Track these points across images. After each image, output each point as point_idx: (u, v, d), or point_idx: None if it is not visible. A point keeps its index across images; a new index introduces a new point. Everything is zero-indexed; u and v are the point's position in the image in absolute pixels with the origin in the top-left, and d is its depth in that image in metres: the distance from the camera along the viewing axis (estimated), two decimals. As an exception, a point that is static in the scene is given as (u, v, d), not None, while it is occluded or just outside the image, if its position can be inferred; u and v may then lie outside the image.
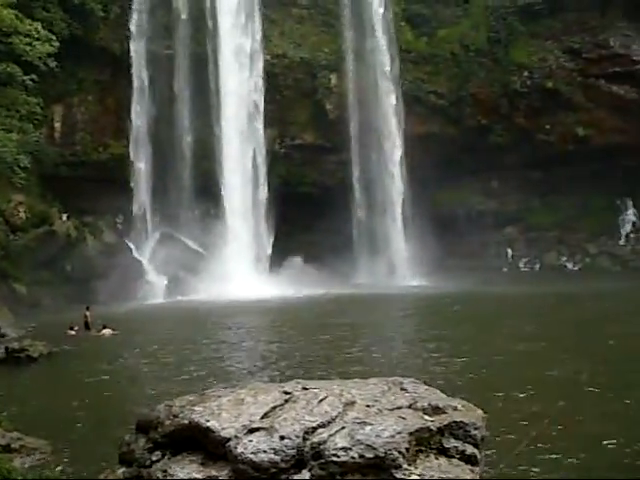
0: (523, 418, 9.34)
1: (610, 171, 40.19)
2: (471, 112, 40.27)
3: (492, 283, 32.08)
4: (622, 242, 41.90)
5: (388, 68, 38.81)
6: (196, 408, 5.27)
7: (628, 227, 42.24)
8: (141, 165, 36.06)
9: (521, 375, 12.42)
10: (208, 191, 35.37)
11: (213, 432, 4.99)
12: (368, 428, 4.98)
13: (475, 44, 40.28)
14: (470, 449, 5.22)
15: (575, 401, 10.22)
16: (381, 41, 38.88)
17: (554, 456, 8.11)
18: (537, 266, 41.38)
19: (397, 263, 37.18)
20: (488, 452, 6.56)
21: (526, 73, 39.99)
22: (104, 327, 21.09)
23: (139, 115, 36.03)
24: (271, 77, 37.27)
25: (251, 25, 37.15)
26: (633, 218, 42.34)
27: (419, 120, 39.31)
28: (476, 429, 5.36)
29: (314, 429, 5.01)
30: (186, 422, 5.17)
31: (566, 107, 40.16)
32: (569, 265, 41.07)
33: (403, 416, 5.25)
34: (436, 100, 39.75)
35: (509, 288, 29.95)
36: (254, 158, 36.55)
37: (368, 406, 5.37)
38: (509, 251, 41.44)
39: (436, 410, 5.50)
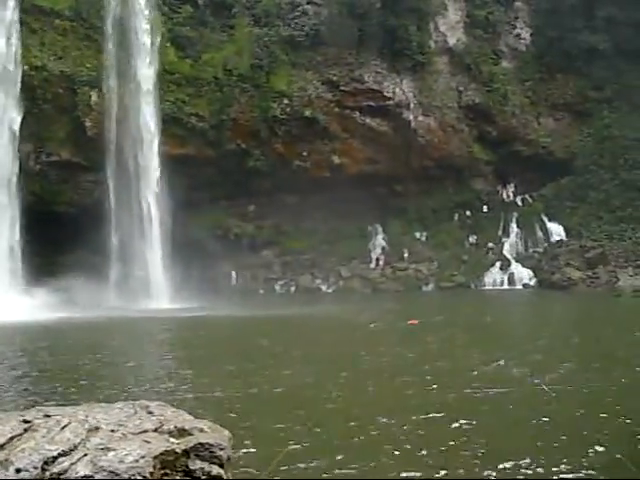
0: (276, 437, 9.72)
1: (362, 198, 45.40)
2: (231, 136, 43.57)
3: (248, 305, 34.34)
4: (372, 266, 47.55)
5: (150, 88, 40.92)
6: None
7: (378, 251, 48.36)
8: None
9: (272, 395, 12.91)
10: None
11: (-61, 472, 4.81)
12: (111, 454, 5.16)
13: (238, 69, 43.72)
14: (216, 469, 5.52)
15: (327, 420, 10.76)
16: (144, 60, 41.03)
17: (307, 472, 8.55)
18: (292, 288, 45.65)
19: (153, 286, 38.82)
20: (239, 472, 7.22)
21: (286, 101, 44.26)
22: None
23: None
24: (29, 90, 38.25)
25: (8, 34, 38.12)
26: (383, 243, 48.58)
27: (178, 142, 42.05)
28: (222, 449, 5.64)
29: (54, 458, 5.08)
30: None
31: (323, 136, 45.33)
32: (323, 287, 45.76)
33: (148, 440, 5.43)
34: (196, 122, 42.48)
35: (264, 310, 32.46)
36: (6, 173, 37.28)
37: (113, 431, 5.55)
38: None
39: (182, 432, 5.78)
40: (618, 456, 8.20)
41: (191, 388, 13.66)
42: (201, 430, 5.87)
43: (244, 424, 10.29)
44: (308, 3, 45.12)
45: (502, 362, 15.48)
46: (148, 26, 41.63)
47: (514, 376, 13.80)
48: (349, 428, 10.29)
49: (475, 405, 11.48)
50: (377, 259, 48.29)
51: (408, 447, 9.22)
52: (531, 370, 14.20)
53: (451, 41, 48.81)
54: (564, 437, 9.42)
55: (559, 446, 8.93)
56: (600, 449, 8.69)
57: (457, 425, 10.13)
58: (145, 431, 5.67)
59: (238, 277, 44.47)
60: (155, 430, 5.74)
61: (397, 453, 8.98)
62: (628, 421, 9.91)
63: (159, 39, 41.86)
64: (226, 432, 6.01)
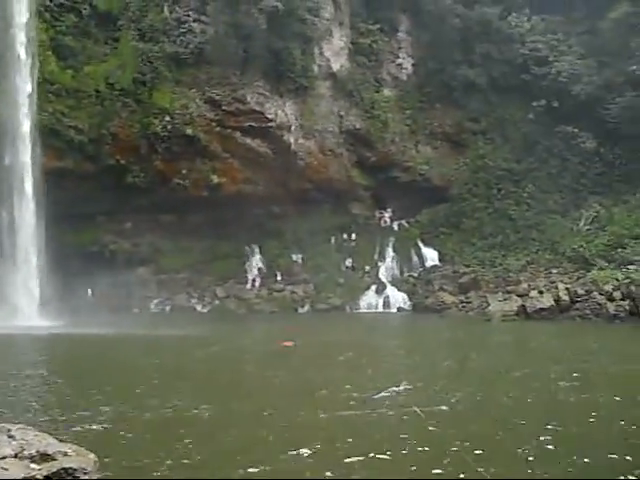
0: (145, 460, 9.66)
1: (240, 219, 48.28)
2: (110, 151, 44.46)
3: (123, 324, 34.77)
4: (248, 286, 49.78)
5: (27, 97, 41.09)
6: None
7: (254, 272, 50.65)
8: None
9: (144, 417, 12.75)
10: None
11: None
12: (-39, 484, 4.73)
13: (120, 83, 44.62)
14: (79, 494, 5.35)
15: (199, 443, 10.79)
16: (22, 68, 41.17)
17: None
18: (168, 308, 47.28)
19: (25, 303, 38.72)
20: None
21: (167, 118, 45.49)
22: None
23: None
24: None
25: None
26: (259, 264, 50.96)
27: (56, 154, 42.43)
28: (86, 474, 5.64)
29: None
30: None
31: (203, 155, 47.10)
32: (198, 307, 47.50)
33: (6, 467, 5.34)
34: (75, 135, 42.99)
35: (140, 329, 32.67)
36: None
37: (-34, 458, 5.13)
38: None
39: (45, 457, 5.71)
40: (480, 470, 8.91)
41: (58, 410, 13.19)
42: (65, 454, 5.84)
43: (112, 447, 10.21)
44: (194, 21, 46.91)
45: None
46: (27, 33, 41.61)
47: (389, 398, 14.24)
48: (222, 451, 10.47)
49: (346, 426, 11.95)
50: (253, 280, 50.48)
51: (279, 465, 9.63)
52: (404, 392, 14.93)
53: (335, 66, 51.81)
54: (430, 456, 10.06)
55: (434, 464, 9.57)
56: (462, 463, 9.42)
57: (327, 445, 10.65)
58: (4, 457, 5.55)
59: (113, 295, 45.07)
60: (15, 456, 5.66)
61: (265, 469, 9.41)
62: (490, 438, 11.18)
63: (39, 47, 42.02)
64: (92, 456, 6.05)
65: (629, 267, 40.30)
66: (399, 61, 54.95)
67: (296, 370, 19.65)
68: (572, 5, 56.53)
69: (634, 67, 49.24)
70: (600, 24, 53.70)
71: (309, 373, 18.56)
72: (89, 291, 45.90)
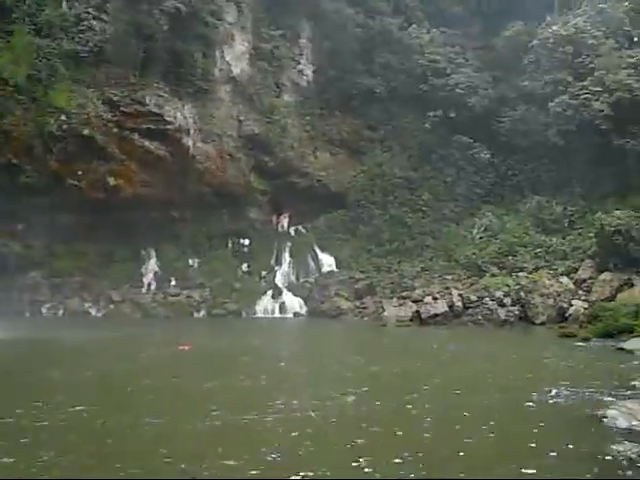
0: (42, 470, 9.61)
1: (137, 222, 47.44)
2: (3, 150, 42.89)
3: (14, 329, 32.61)
4: (144, 290, 48.89)
5: None
6: None
7: (150, 276, 49.86)
8: None
9: (38, 423, 12.36)
10: None
11: None
12: None
13: (14, 79, 42.87)
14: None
15: (99, 451, 10.75)
16: None
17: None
18: (60, 312, 45.76)
19: None
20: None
21: (63, 117, 44.28)
22: None
23: None
24: None
25: None
26: (155, 268, 50.24)
27: None
28: None
29: None
30: None
31: (100, 156, 46.04)
32: (93, 311, 46.17)
33: None
34: None
35: (32, 334, 32.04)
36: None
37: None
38: None
39: None
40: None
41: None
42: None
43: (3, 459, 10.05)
44: (94, 19, 45.89)
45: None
46: None
47: (281, 401, 14.50)
48: (117, 457, 10.40)
49: (238, 431, 12.20)
50: (149, 284, 49.74)
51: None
52: (297, 395, 15.33)
53: (235, 71, 51.86)
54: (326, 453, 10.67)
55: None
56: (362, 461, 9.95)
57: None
58: None
59: (4, 299, 42.93)
60: None
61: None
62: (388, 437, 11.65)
63: None
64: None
65: (519, 274, 41.81)
66: (300, 67, 55.45)
67: (190, 376, 19.44)
68: (469, 21, 58.37)
69: (525, 83, 51.00)
70: (495, 40, 55.54)
71: (204, 379, 18.23)
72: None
